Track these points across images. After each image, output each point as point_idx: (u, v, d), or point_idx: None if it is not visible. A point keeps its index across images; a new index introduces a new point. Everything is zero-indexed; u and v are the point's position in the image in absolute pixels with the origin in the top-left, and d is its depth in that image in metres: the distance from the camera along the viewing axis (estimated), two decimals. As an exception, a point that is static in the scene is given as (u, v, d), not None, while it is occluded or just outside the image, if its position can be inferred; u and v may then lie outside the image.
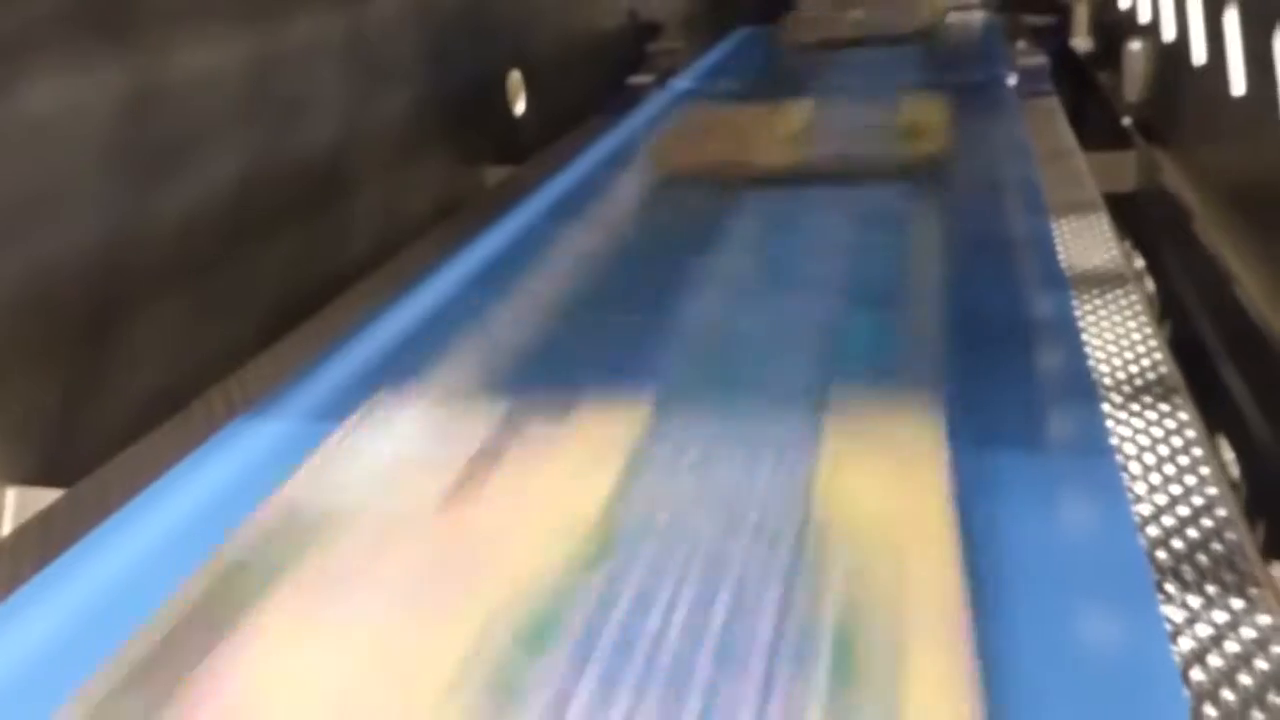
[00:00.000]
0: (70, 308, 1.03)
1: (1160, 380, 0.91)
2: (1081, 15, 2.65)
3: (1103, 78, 2.29)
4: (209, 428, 0.95)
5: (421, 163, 1.74)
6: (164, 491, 0.85)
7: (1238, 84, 1.36)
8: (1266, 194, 1.28)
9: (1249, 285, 1.26)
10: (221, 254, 1.24)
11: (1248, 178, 1.36)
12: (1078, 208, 1.37)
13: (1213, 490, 0.74)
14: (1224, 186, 1.46)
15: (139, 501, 0.83)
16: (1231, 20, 1.38)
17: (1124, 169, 1.83)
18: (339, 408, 0.95)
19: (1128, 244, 1.72)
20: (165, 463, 0.89)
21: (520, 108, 2.11)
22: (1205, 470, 0.77)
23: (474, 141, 1.94)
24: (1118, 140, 1.96)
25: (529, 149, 2.03)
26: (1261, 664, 0.59)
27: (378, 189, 1.59)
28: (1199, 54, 1.55)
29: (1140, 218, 1.73)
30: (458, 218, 1.61)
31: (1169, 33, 1.76)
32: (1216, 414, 1.21)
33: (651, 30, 2.81)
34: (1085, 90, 2.37)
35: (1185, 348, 1.35)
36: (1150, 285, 1.65)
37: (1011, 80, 2.11)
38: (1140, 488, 0.75)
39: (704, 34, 2.91)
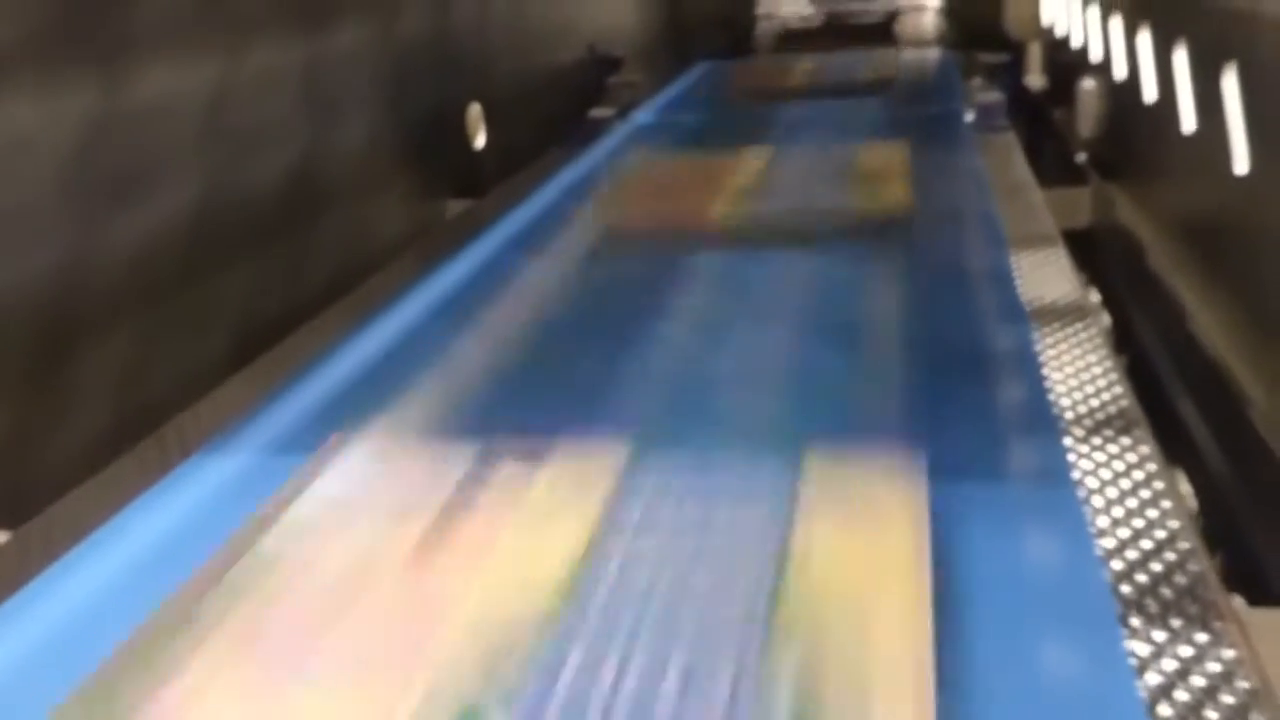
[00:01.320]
0: (16, 339, 1.00)
1: (1121, 414, 0.91)
2: (1035, 54, 2.70)
3: (1057, 115, 2.33)
4: (162, 466, 0.92)
5: (379, 195, 1.73)
6: (113, 534, 0.83)
7: (1188, 121, 1.39)
8: (1217, 229, 1.30)
9: (1203, 319, 1.28)
10: (175, 285, 1.22)
11: (1199, 213, 1.39)
12: (1037, 241, 1.39)
13: (1175, 523, 0.75)
14: (1176, 221, 1.48)
15: (86, 545, 0.81)
16: (1181, 60, 1.41)
17: (1079, 205, 1.86)
18: (296, 444, 0.93)
19: (1084, 278, 1.74)
20: (116, 503, 0.86)
21: (480, 140, 2.11)
22: (1167, 504, 0.77)
23: (433, 174, 1.93)
24: (1072, 176, 1.99)
25: (489, 181, 2.03)
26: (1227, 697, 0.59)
27: (335, 221, 1.57)
28: (1150, 92, 1.58)
29: (1096, 252, 1.75)
30: (414, 250, 1.60)
31: (1120, 71, 1.79)
32: (1173, 447, 1.22)
33: (612, 64, 2.82)
34: (1040, 127, 2.41)
35: (1141, 381, 1.37)
36: (1106, 319, 1.67)
37: (969, 116, 2.14)
38: (1103, 521, 0.76)
39: (664, 68, 2.93)
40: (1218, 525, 1.12)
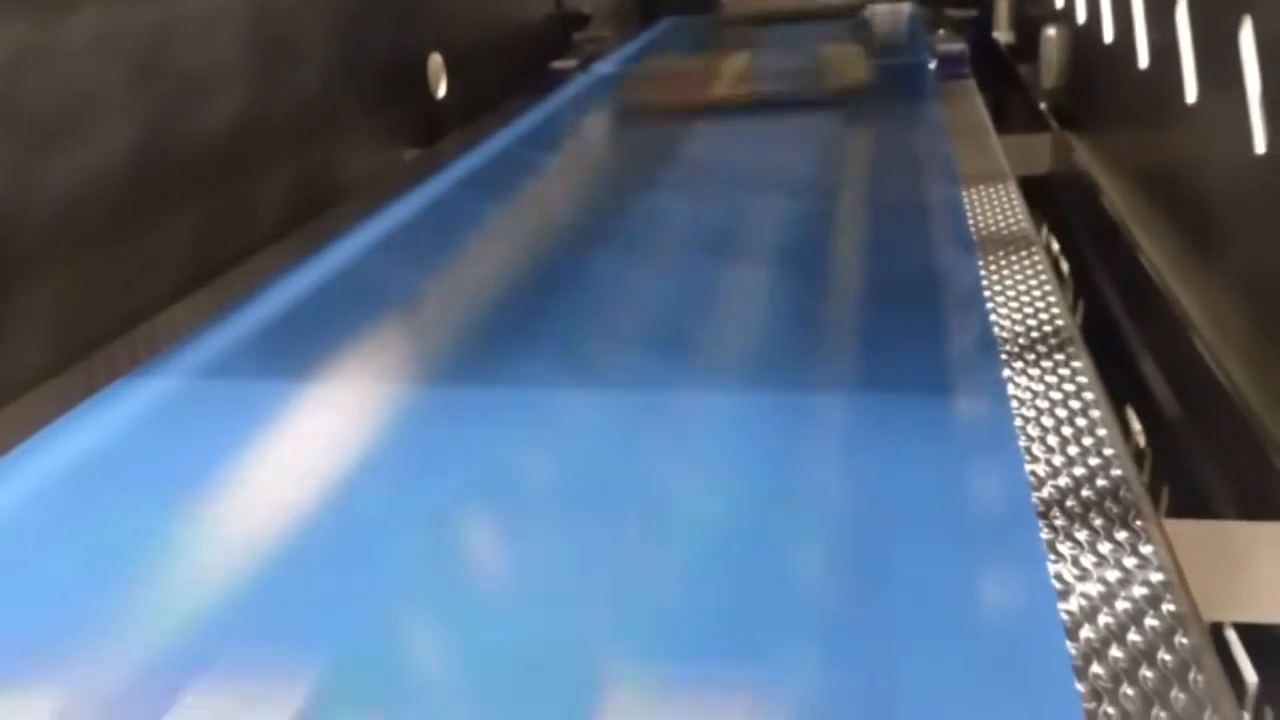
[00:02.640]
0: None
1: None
2: (1003, 8, 2.69)
3: (1022, 69, 2.31)
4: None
5: (334, 143, 1.70)
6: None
7: (1143, 58, 1.38)
8: (1165, 164, 1.29)
9: (1151, 253, 1.27)
10: (113, 230, 1.19)
11: (1149, 150, 1.38)
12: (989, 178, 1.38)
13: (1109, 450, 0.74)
14: (1128, 162, 1.47)
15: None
16: (1137, -3, 1.40)
17: (1039, 151, 1.85)
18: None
19: (1044, 227, 1.74)
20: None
21: (441, 91, 2.08)
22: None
23: (392, 123, 1.90)
24: (1035, 125, 1.98)
25: (448, 130, 2.00)
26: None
27: (287, 169, 1.55)
28: (1109, 32, 1.57)
29: (1054, 196, 1.75)
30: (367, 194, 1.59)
31: (1082, 15, 1.78)
32: (1125, 386, 1.22)
33: (579, 20, 2.79)
34: (1007, 79, 2.40)
35: (1097, 326, 1.36)
36: (1065, 265, 1.67)
37: (931, 64, 2.13)
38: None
39: (631, 24, 2.90)
40: (1167, 460, 1.12)
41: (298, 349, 0.98)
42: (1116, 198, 1.45)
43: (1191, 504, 1.00)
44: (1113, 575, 0.60)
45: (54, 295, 1.10)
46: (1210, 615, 0.63)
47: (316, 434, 0.82)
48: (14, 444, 0.83)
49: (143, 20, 1.25)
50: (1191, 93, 1.18)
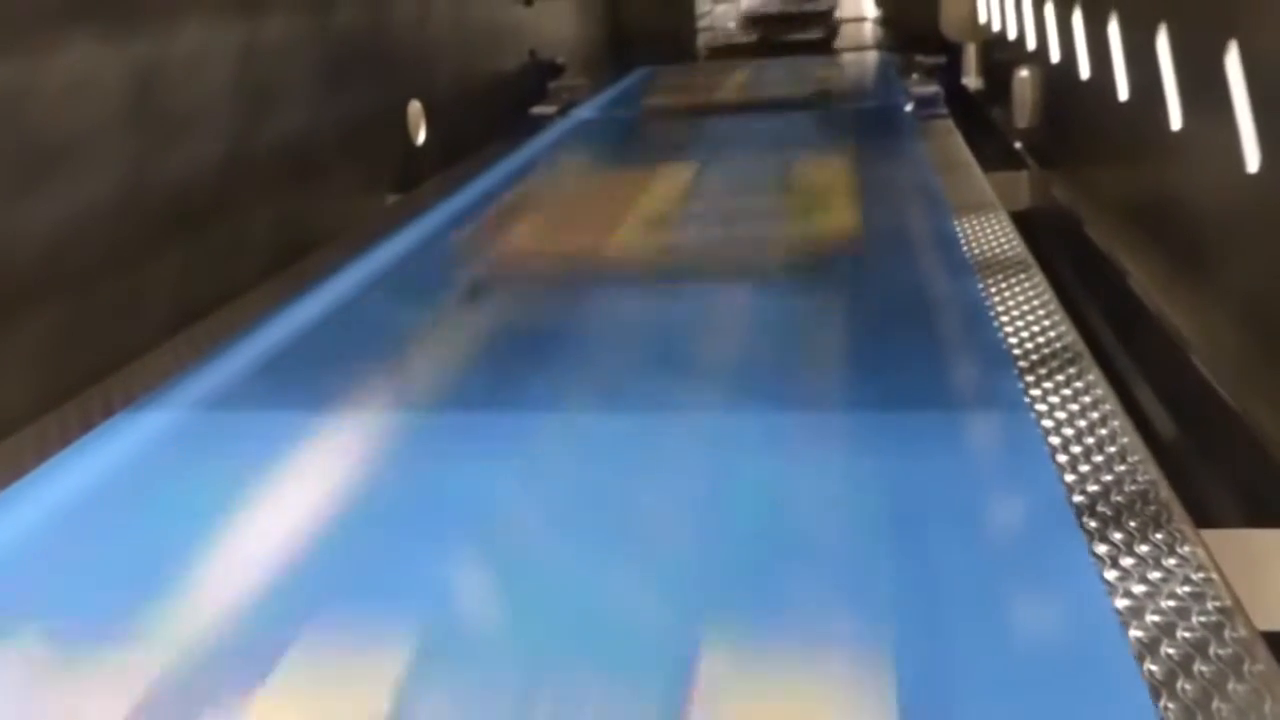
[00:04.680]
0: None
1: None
2: (971, 55, 2.74)
3: (994, 111, 2.36)
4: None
5: (315, 187, 1.69)
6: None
7: (1123, 90, 1.40)
8: (1157, 193, 1.31)
9: (1143, 281, 1.28)
10: (98, 270, 1.17)
11: (1132, 181, 1.40)
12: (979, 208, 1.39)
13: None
14: (1110, 193, 1.50)
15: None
16: (1114, 31, 1.43)
17: (1018, 188, 1.88)
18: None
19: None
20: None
21: (421, 137, 2.08)
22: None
23: (372, 168, 1.90)
24: (1011, 165, 2.01)
25: (428, 177, 2.00)
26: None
27: (268, 211, 1.53)
28: (1085, 69, 1.60)
29: (1035, 232, 1.77)
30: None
31: (1055, 54, 1.81)
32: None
33: (553, 69, 2.82)
34: (978, 123, 2.44)
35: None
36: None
37: (908, 107, 2.16)
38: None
39: (605, 72, 2.93)
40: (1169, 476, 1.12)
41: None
42: (1101, 228, 1.47)
43: (1199, 519, 1.00)
44: (1155, 575, 0.60)
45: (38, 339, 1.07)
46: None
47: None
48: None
49: (126, 65, 1.24)
50: (1176, 120, 1.20)
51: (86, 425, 0.92)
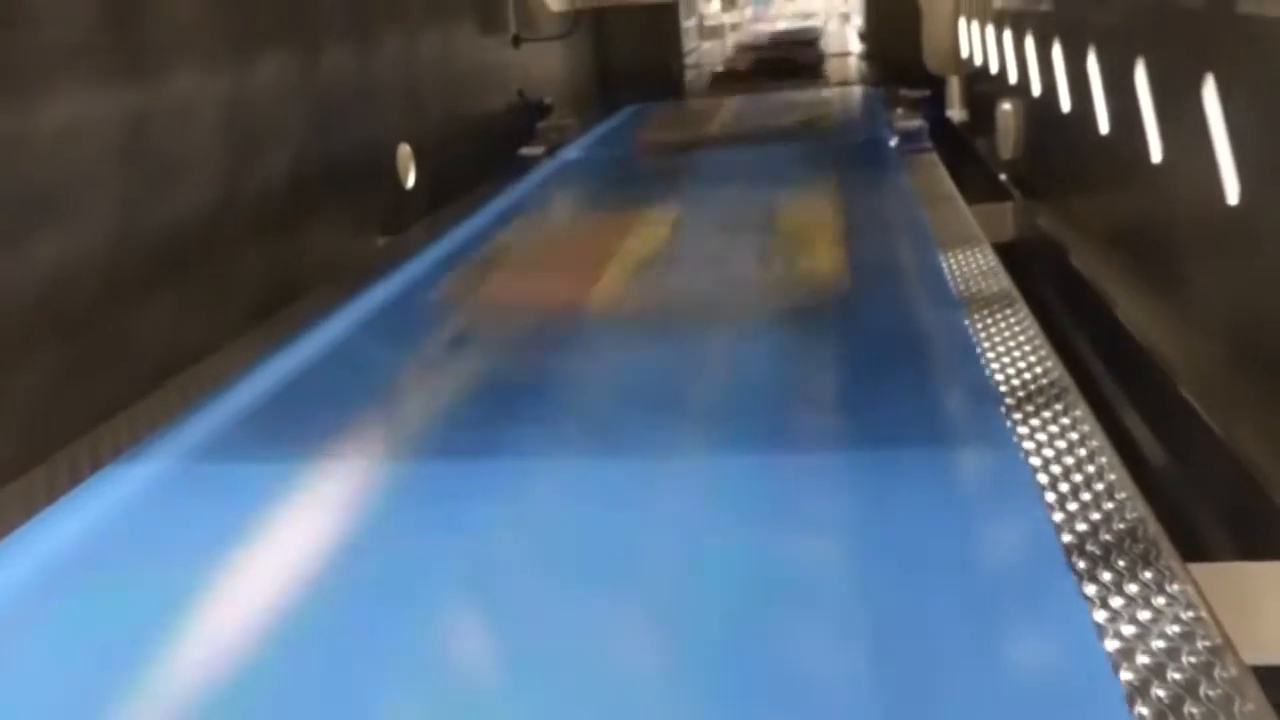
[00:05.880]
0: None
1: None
2: (955, 88, 2.77)
3: (979, 143, 2.38)
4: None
5: (304, 230, 1.70)
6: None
7: (1104, 123, 1.42)
8: (1140, 224, 1.32)
9: (1129, 311, 1.29)
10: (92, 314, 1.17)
11: (1121, 212, 1.41)
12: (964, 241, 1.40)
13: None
14: (1098, 224, 1.51)
15: None
16: (1092, 64, 1.44)
17: (1003, 220, 1.89)
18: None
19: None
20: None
21: (410, 180, 2.09)
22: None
23: (361, 211, 1.91)
24: (996, 196, 2.03)
25: (418, 219, 2.01)
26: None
27: (258, 255, 1.54)
28: (1066, 103, 1.62)
29: (1021, 262, 1.78)
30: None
31: (1037, 88, 1.83)
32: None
33: (542, 110, 2.84)
34: (963, 155, 2.46)
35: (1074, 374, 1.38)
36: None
37: (893, 141, 2.18)
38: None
39: (592, 112, 2.95)
40: (1159, 507, 1.12)
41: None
42: (1086, 259, 1.48)
43: (1191, 551, 1.00)
44: (1145, 615, 0.60)
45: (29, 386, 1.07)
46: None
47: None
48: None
49: (118, 110, 1.25)
50: (1156, 152, 1.21)
51: (74, 479, 0.92)
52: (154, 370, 1.25)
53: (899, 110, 2.49)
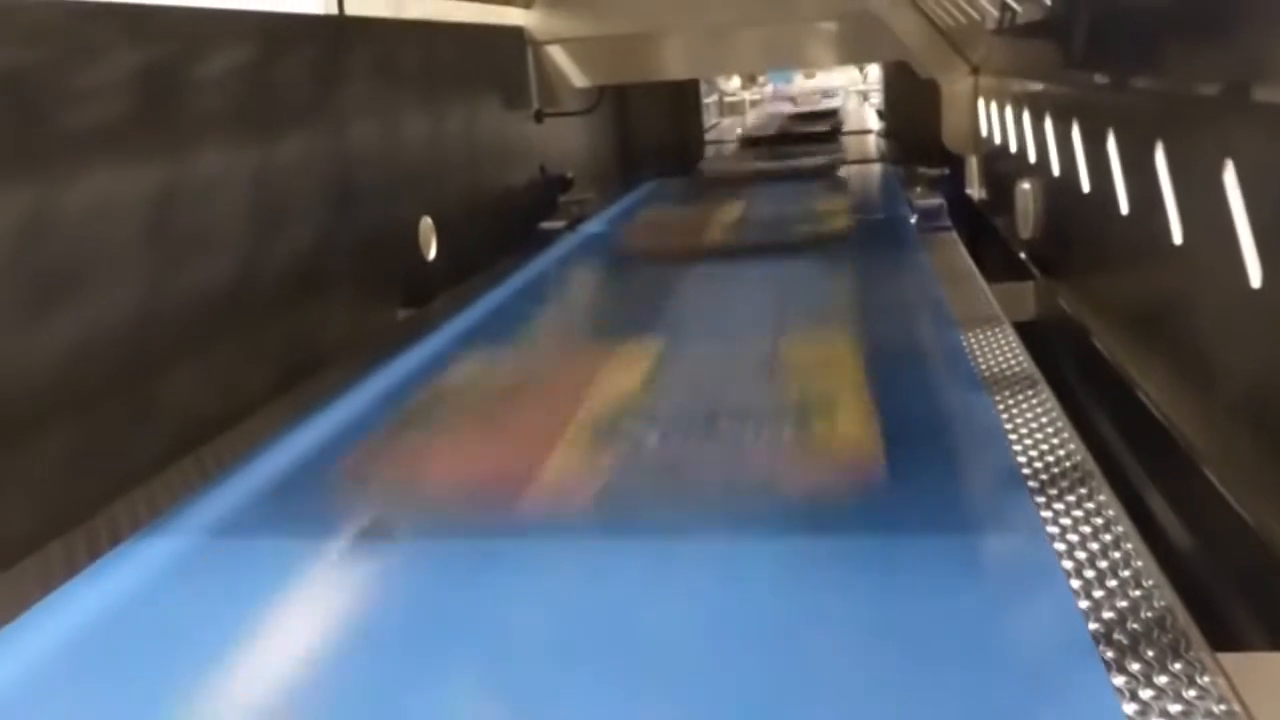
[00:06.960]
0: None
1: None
2: (974, 166, 2.79)
3: (998, 221, 2.39)
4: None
5: (326, 303, 1.72)
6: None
7: (1124, 204, 1.42)
8: (1162, 305, 1.32)
9: (1151, 392, 1.28)
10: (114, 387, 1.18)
11: (1143, 293, 1.41)
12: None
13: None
14: (1120, 305, 1.50)
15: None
16: (1112, 146, 1.45)
17: (1024, 299, 1.89)
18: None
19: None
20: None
21: (432, 253, 2.11)
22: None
23: (384, 284, 1.93)
24: (1016, 275, 2.03)
25: (439, 292, 2.03)
26: None
27: (280, 328, 1.55)
28: (1085, 183, 1.63)
29: (1042, 342, 1.78)
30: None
31: (1056, 168, 1.84)
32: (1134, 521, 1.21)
33: (563, 184, 2.87)
34: (983, 233, 2.47)
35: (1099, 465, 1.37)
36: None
37: (912, 219, 2.19)
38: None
39: (613, 186, 2.99)
40: (1186, 592, 1.11)
41: None
42: (1109, 339, 1.47)
43: (1218, 636, 0.98)
44: (1176, 708, 0.58)
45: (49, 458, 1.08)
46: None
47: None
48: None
49: (145, 188, 1.27)
50: (1178, 234, 1.22)
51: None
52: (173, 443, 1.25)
53: (917, 190, 2.51)
